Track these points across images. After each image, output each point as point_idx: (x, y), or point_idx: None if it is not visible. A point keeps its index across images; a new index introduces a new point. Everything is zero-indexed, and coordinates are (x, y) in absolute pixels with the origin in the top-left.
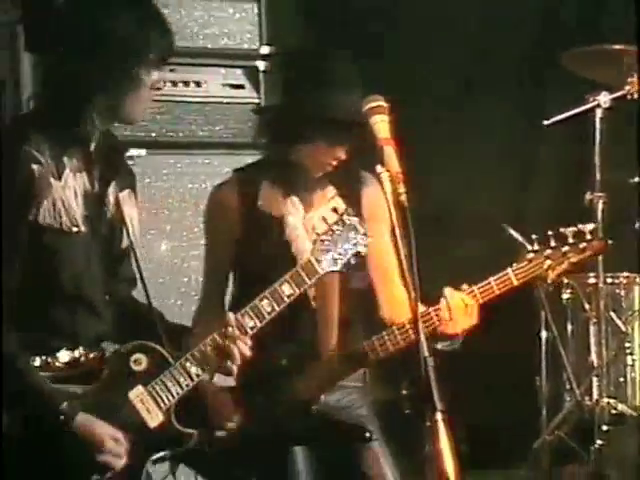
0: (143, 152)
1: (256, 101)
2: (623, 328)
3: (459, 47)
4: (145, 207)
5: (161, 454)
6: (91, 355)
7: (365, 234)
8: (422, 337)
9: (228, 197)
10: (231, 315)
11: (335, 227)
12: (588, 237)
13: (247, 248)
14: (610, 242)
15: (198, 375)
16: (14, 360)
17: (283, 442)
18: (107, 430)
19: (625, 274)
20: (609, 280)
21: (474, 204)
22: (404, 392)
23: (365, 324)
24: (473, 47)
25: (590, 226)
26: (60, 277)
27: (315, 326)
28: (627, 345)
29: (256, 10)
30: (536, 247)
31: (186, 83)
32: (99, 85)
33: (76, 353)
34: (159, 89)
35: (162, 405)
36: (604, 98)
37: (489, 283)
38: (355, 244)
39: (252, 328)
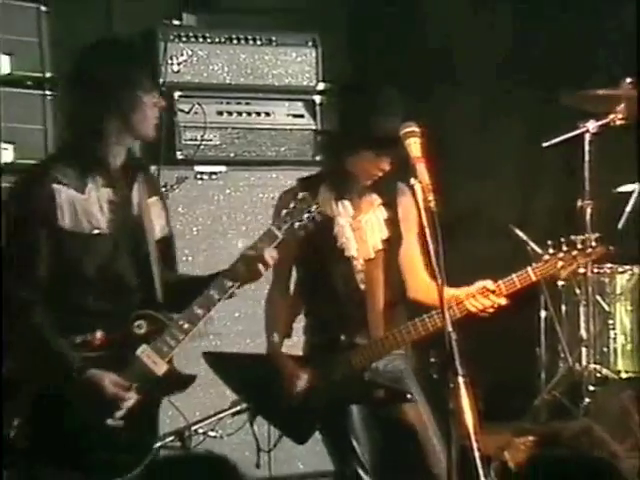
0: (224, 169)
1: (313, 128)
2: (607, 308)
3: (484, 81)
4: (225, 212)
5: (238, 408)
6: (113, 331)
7: (317, 204)
8: (447, 316)
9: (292, 200)
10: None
11: (292, 204)
12: (593, 244)
13: (307, 241)
14: (611, 248)
15: (190, 329)
16: (41, 330)
17: (341, 402)
18: (112, 378)
19: (609, 265)
20: (596, 270)
21: (492, 212)
22: (432, 360)
23: (406, 306)
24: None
25: (595, 235)
26: (85, 270)
27: (365, 306)
28: (610, 322)
29: (314, 54)
30: (551, 251)
31: (258, 113)
32: (109, 112)
33: (100, 332)
34: (163, 108)
35: (164, 357)
36: (592, 125)
37: (512, 279)
38: (310, 212)
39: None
